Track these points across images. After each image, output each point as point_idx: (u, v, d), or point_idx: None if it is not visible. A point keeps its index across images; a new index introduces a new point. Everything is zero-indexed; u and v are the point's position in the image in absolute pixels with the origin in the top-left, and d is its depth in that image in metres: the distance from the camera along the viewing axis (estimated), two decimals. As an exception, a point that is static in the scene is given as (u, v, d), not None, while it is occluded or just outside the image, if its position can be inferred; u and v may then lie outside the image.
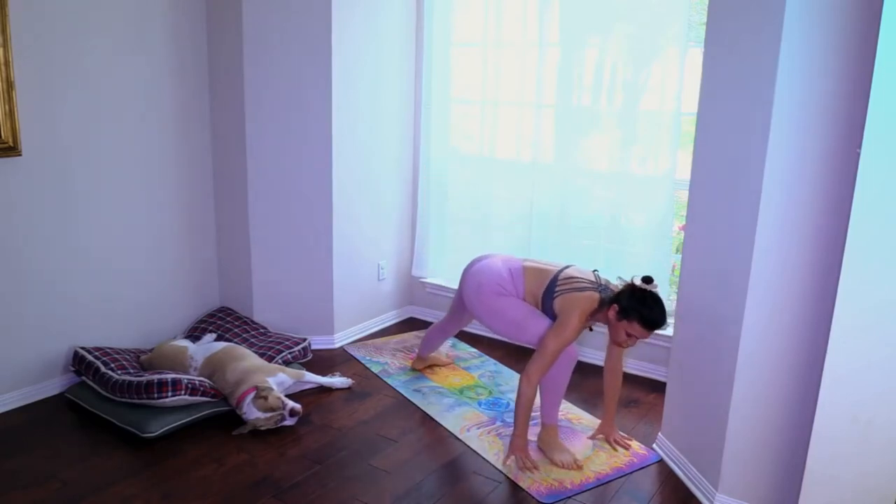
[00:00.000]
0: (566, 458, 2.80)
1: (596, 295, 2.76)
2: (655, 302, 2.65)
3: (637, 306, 2.64)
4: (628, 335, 2.70)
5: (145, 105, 3.44)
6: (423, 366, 3.70)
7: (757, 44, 2.24)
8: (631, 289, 2.69)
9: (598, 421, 3.17)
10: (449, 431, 3.07)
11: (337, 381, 3.43)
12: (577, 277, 2.84)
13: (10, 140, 2.95)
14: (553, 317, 2.84)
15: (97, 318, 3.40)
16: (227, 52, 3.61)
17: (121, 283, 3.48)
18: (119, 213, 3.42)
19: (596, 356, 3.81)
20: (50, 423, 3.03)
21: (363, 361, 3.76)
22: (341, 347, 3.94)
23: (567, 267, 2.93)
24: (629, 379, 3.64)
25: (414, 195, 4.33)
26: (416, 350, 3.75)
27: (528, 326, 2.86)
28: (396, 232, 4.29)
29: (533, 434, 2.94)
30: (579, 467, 2.77)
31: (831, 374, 2.08)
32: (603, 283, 2.84)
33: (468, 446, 2.95)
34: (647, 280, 2.68)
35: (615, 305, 2.69)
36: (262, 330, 3.77)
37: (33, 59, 2.99)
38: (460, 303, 3.32)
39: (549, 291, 2.85)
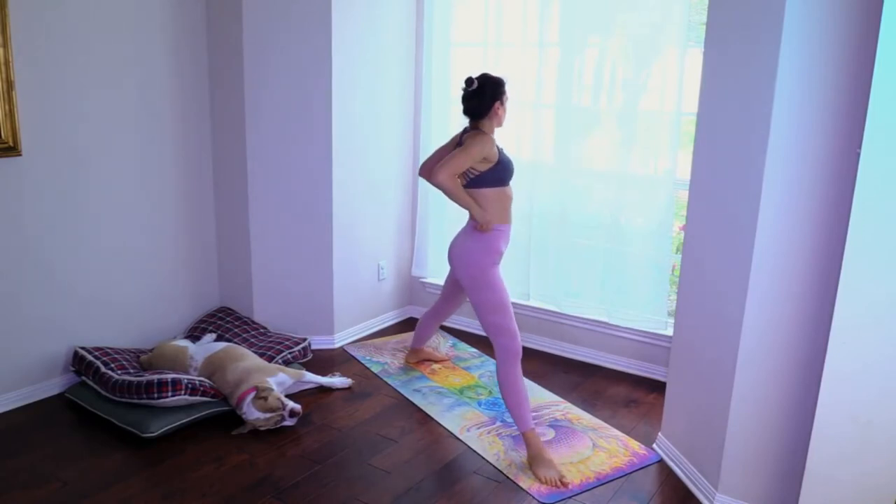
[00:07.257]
0: (551, 475, 2.71)
1: (470, 131, 2.97)
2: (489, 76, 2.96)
3: (494, 86, 2.91)
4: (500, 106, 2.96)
5: (145, 105, 3.44)
6: (416, 359, 3.70)
7: (757, 44, 2.24)
8: (481, 86, 2.90)
9: (598, 421, 3.17)
10: (449, 431, 3.07)
11: (337, 381, 3.43)
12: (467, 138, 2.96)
13: (10, 140, 2.95)
14: (491, 179, 3.00)
15: (97, 318, 3.40)
16: (227, 51, 3.61)
17: (121, 283, 3.48)
18: (119, 214, 3.42)
19: (592, 354, 3.82)
20: (50, 423, 3.03)
21: (363, 361, 3.76)
22: (341, 347, 3.94)
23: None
24: (629, 379, 3.65)
25: (414, 195, 4.33)
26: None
27: (496, 314, 2.88)
28: (396, 232, 4.29)
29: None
30: (565, 485, 2.68)
31: (831, 374, 2.08)
32: (462, 131, 3.04)
33: (468, 446, 2.95)
34: (467, 81, 2.92)
35: (496, 103, 2.92)
36: (262, 330, 3.77)
37: (33, 59, 2.99)
38: (453, 283, 3.36)
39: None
